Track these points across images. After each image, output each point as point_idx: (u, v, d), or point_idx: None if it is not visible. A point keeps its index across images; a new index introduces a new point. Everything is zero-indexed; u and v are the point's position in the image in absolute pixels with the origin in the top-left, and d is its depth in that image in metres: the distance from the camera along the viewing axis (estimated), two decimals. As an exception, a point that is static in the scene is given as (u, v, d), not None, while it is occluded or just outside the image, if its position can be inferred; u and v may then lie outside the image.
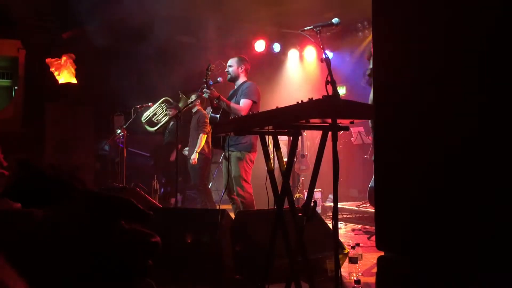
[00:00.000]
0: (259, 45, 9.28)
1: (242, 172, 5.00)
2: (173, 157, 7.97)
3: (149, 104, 7.79)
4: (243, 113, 4.84)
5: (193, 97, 6.84)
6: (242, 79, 5.23)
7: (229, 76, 5.24)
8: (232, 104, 4.96)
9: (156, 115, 7.87)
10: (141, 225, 0.50)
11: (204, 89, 4.98)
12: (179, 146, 6.98)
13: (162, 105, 7.83)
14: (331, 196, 8.59)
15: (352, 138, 8.81)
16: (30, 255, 0.44)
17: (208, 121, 6.42)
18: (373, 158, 1.33)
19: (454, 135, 1.06)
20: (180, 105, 7.70)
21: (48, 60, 8.25)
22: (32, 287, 0.46)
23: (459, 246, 1.01)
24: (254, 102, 5.01)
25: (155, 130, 7.88)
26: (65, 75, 8.40)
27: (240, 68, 5.22)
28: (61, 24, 8.12)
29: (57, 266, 0.45)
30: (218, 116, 4.96)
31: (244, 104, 4.96)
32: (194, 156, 6.71)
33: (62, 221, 0.46)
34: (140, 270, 0.47)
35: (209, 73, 5.08)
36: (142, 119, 7.75)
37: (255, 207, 5.05)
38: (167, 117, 7.75)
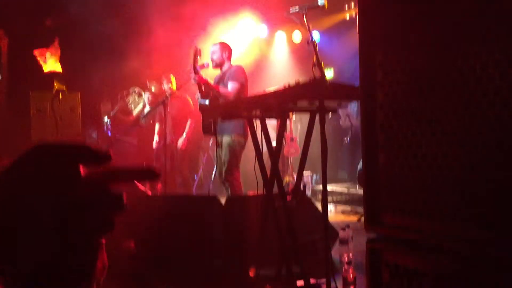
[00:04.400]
0: (245, 28, 9.21)
1: (231, 157, 4.97)
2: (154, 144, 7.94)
3: (135, 89, 7.71)
4: (232, 96, 4.80)
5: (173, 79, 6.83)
6: (227, 64, 5.18)
7: (213, 63, 5.18)
8: (220, 89, 4.92)
9: (129, 103, 7.80)
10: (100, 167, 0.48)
11: (192, 75, 4.92)
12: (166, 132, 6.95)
13: (134, 94, 7.76)
14: (315, 177, 8.63)
15: (340, 120, 8.82)
16: None
17: None
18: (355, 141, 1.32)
19: (444, 116, 1.05)
20: (152, 91, 7.63)
21: (35, 51, 8.14)
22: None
23: (447, 226, 1.01)
24: (242, 85, 4.96)
25: (132, 119, 7.83)
26: (50, 63, 8.28)
27: (224, 54, 5.16)
28: (44, 11, 7.99)
29: (22, 234, 0.43)
30: (207, 102, 4.89)
31: (232, 87, 4.90)
32: (184, 142, 6.72)
33: (16, 178, 0.44)
34: (107, 224, 0.45)
35: (197, 57, 5.00)
36: (112, 114, 7.69)
37: (242, 191, 5.04)
38: (141, 103, 7.69)
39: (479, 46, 0.97)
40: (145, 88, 7.74)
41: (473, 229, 0.95)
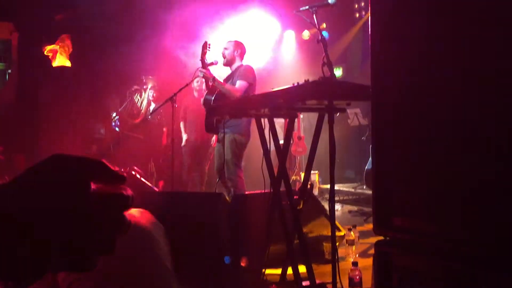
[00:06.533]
0: (255, 27, 9.19)
1: (233, 156, 4.93)
2: (164, 140, 7.96)
3: (143, 87, 7.73)
4: (238, 94, 4.77)
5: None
6: (237, 63, 5.14)
7: (224, 60, 5.15)
8: (227, 86, 4.88)
9: (134, 105, 7.82)
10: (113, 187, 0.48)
11: (199, 68, 4.89)
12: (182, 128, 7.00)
13: (137, 93, 7.78)
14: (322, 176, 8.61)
15: (348, 120, 8.79)
16: None
17: None
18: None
19: (455, 118, 1.04)
20: (149, 86, 7.65)
21: (45, 46, 8.17)
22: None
23: (459, 231, 1.00)
24: (250, 84, 4.93)
25: (140, 120, 7.85)
26: (60, 58, 8.31)
27: (236, 52, 5.12)
28: (54, 6, 8.01)
29: (30, 242, 0.43)
30: (213, 98, 4.85)
31: (240, 85, 4.87)
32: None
33: (26, 188, 0.44)
34: (119, 226, 0.45)
35: (205, 50, 4.97)
36: (120, 110, 7.70)
37: (245, 191, 5.00)
38: (146, 101, 7.70)
39: (495, 47, 0.96)
40: (141, 83, 7.75)
41: (484, 235, 0.93)
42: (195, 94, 7.02)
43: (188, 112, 7.13)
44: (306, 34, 9.83)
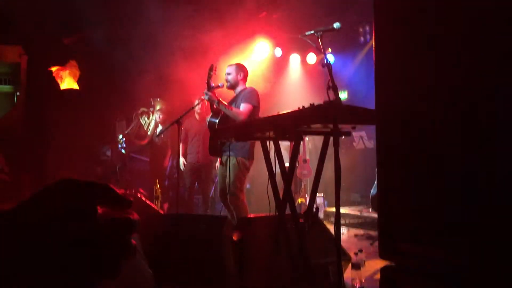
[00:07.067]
0: (261, 50, 9.28)
1: (236, 179, 4.92)
2: (166, 162, 7.97)
3: (151, 109, 7.80)
4: (243, 117, 4.79)
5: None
6: (241, 86, 5.18)
7: (228, 83, 5.19)
8: (232, 108, 4.91)
9: (143, 125, 7.86)
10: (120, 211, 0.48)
11: (205, 91, 4.94)
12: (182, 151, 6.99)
13: (144, 115, 7.83)
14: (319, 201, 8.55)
15: (354, 143, 8.78)
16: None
17: None
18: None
19: (456, 140, 1.04)
20: (157, 108, 7.70)
21: (52, 69, 8.28)
22: None
23: (467, 258, 0.98)
24: (254, 107, 4.95)
25: (147, 142, 7.88)
26: (67, 81, 8.40)
27: (239, 76, 5.17)
28: (63, 29, 8.13)
29: (33, 264, 0.42)
30: (217, 121, 4.88)
31: (244, 108, 4.90)
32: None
33: (34, 213, 0.44)
34: (124, 250, 0.45)
35: (212, 73, 5.04)
36: (127, 132, 7.75)
37: (248, 213, 4.98)
38: (153, 123, 7.74)
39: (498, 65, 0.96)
40: (149, 106, 7.81)
41: (491, 262, 0.92)
42: (197, 117, 7.07)
43: (189, 135, 7.17)
44: (311, 58, 9.92)
